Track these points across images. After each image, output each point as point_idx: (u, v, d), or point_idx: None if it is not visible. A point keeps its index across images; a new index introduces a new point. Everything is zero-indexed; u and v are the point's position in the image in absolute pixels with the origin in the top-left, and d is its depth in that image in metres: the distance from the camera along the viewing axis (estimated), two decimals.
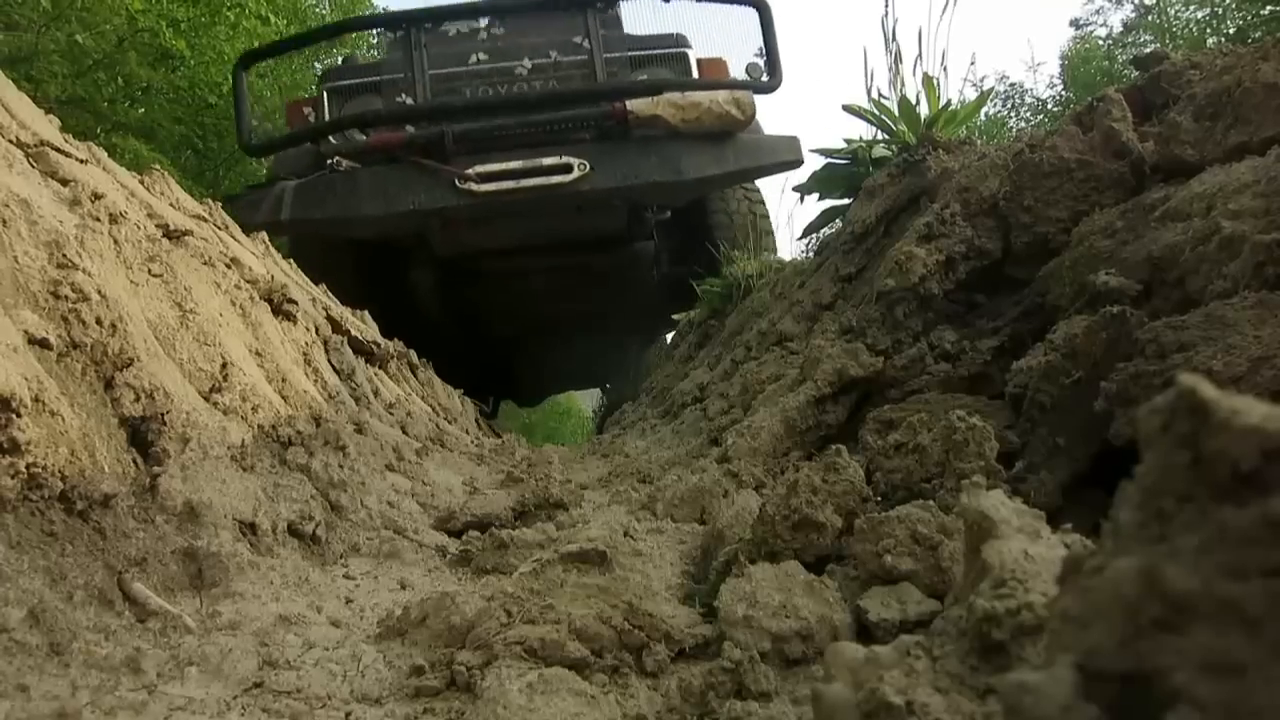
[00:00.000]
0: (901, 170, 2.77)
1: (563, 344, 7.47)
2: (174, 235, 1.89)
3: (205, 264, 1.96)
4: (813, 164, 4.22)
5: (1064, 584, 0.42)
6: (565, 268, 5.82)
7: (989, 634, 0.59)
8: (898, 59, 3.55)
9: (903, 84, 3.42)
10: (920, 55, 3.46)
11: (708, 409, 2.83)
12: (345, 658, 1.01)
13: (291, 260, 3.97)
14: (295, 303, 2.31)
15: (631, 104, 4.63)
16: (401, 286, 5.67)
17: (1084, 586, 0.39)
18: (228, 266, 2.09)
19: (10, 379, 0.95)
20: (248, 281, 2.13)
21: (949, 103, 3.27)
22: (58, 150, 1.60)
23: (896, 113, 3.29)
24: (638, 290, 6.17)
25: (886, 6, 3.65)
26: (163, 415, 1.27)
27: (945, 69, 4.81)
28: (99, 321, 1.23)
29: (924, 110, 3.24)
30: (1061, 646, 0.39)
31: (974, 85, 10.45)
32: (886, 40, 3.63)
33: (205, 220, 2.42)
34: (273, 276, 2.31)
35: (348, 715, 0.90)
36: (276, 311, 2.25)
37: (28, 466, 0.95)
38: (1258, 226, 1.24)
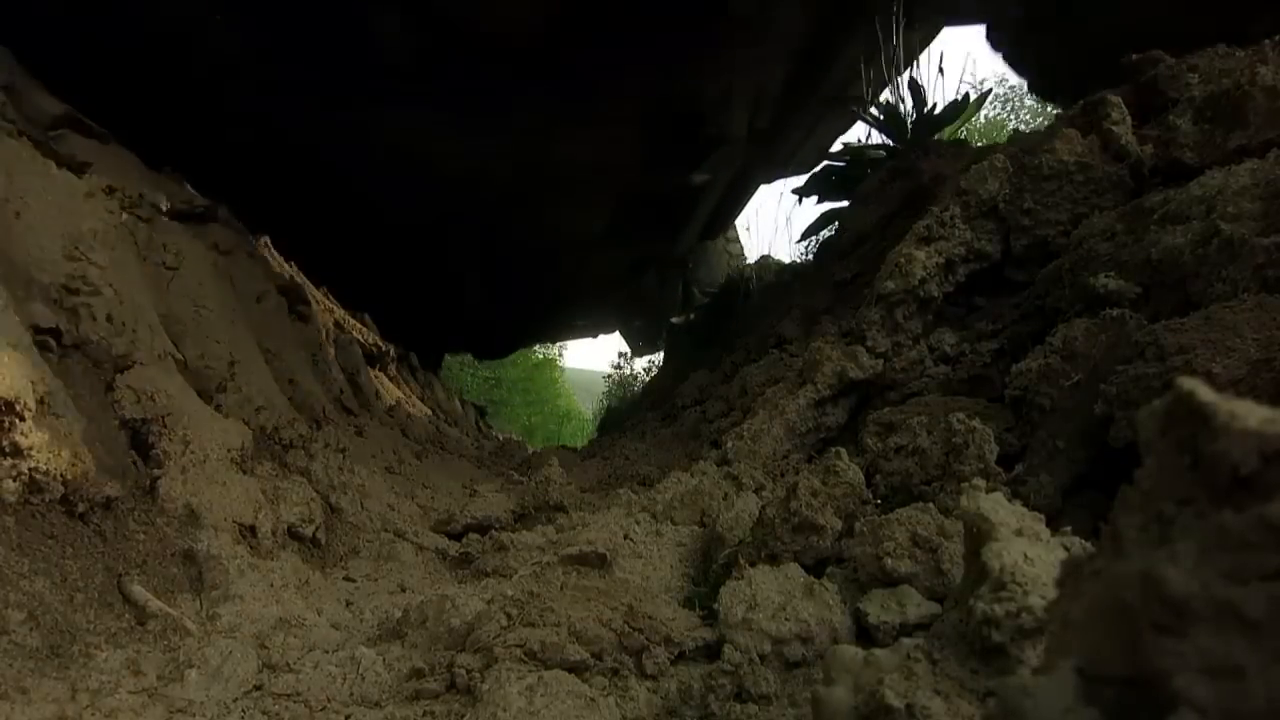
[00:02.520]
0: (898, 173, 2.78)
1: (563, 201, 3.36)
2: (189, 231, 1.89)
3: (222, 256, 1.96)
4: None
5: (1064, 587, 0.42)
6: None
7: (989, 637, 0.59)
8: (895, 61, 3.55)
9: (901, 87, 3.42)
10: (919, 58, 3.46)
11: (707, 411, 2.83)
12: (345, 660, 1.01)
13: None
14: (308, 304, 2.31)
15: None
16: None
17: (1084, 590, 0.39)
18: (243, 264, 2.09)
19: (15, 383, 0.95)
20: (262, 280, 2.13)
21: (947, 105, 3.28)
22: (75, 135, 1.60)
23: (894, 115, 3.30)
24: None
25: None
26: (164, 418, 1.27)
27: (942, 71, 4.72)
28: (109, 318, 1.23)
29: (921, 113, 3.25)
30: (1062, 650, 0.39)
31: (973, 87, 10.44)
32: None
33: (219, 218, 2.42)
34: (290, 277, 2.31)
35: (347, 718, 0.90)
36: (289, 311, 2.25)
37: (30, 470, 0.95)
38: (1257, 229, 1.24)
